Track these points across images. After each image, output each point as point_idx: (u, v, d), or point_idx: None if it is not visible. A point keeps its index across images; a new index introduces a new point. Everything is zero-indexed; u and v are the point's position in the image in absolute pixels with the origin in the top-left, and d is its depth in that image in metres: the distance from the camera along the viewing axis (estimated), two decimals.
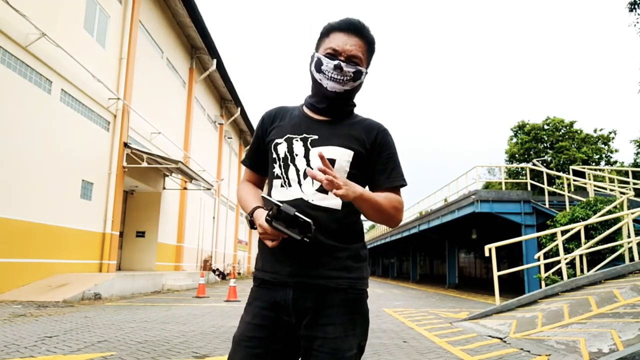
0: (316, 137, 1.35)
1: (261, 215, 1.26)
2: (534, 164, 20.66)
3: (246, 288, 15.23)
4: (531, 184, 14.49)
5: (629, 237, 8.70)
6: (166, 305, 8.77)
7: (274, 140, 1.38)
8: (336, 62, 1.31)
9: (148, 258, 14.99)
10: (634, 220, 9.32)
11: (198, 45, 18.13)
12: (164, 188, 15.84)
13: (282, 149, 1.36)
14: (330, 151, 1.32)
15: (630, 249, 8.50)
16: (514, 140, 30.45)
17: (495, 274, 8.12)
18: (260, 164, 1.47)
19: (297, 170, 1.33)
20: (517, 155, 29.33)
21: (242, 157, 1.54)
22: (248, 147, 1.47)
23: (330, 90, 1.34)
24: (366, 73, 1.38)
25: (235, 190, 27.22)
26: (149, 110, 14.07)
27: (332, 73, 1.32)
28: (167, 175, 15.70)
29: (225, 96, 23.38)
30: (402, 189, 1.43)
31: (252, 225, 1.32)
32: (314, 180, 1.26)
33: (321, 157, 1.15)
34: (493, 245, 8.10)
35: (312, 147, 1.34)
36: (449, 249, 24.96)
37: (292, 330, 1.28)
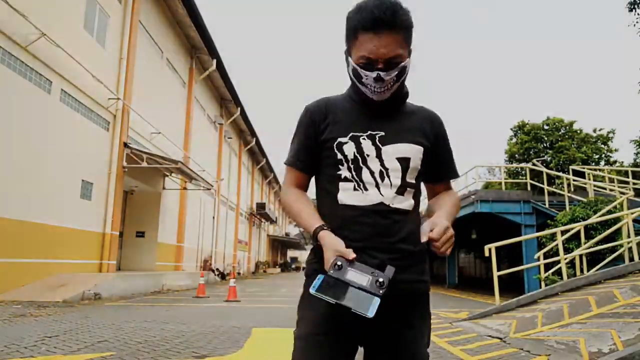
0: (382, 133, 1.24)
1: (327, 246, 1.15)
2: (533, 164, 20.65)
3: (246, 288, 15.24)
4: (531, 184, 14.48)
5: (628, 237, 8.70)
6: (166, 305, 8.77)
7: (335, 138, 1.25)
8: (375, 74, 1.17)
9: (148, 258, 14.99)
10: (634, 220, 9.31)
11: (198, 45, 18.13)
12: (164, 188, 15.85)
13: (350, 149, 1.23)
14: (402, 149, 1.23)
15: (630, 249, 8.50)
16: (514, 140, 30.46)
17: (495, 274, 8.12)
18: (313, 164, 1.32)
19: (372, 172, 1.22)
20: (517, 155, 29.32)
21: (288, 157, 1.31)
22: (294, 146, 1.35)
23: (377, 100, 1.24)
24: (409, 59, 1.23)
25: (235, 190, 27.21)
26: (148, 110, 14.06)
27: (374, 87, 1.19)
28: (167, 175, 15.70)
29: (225, 96, 23.37)
30: None
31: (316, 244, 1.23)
32: (392, 181, 1.22)
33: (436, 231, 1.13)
34: (493, 245, 8.09)
35: (382, 145, 1.24)
36: None
37: (363, 329, 1.21)
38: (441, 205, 1.28)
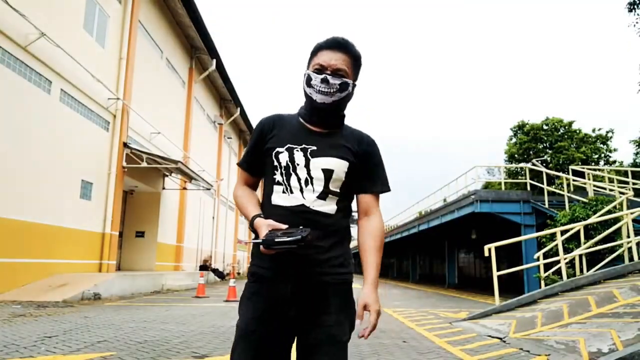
0: (315, 147, 1.47)
1: (261, 226, 1.37)
2: (533, 164, 20.65)
3: None
4: (531, 184, 14.48)
5: (628, 237, 8.71)
6: (166, 305, 8.77)
7: (274, 148, 1.48)
8: (322, 75, 1.44)
9: (148, 258, 14.98)
10: (634, 220, 9.32)
11: (198, 45, 18.13)
12: (164, 188, 15.84)
13: (284, 157, 1.46)
14: (328, 162, 1.45)
15: (629, 248, 8.51)
16: (513, 140, 30.47)
17: (495, 274, 8.12)
18: (257, 167, 1.57)
19: (299, 179, 1.44)
20: (516, 156, 29.34)
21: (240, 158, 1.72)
22: (245, 150, 1.64)
23: (319, 102, 1.46)
24: (354, 85, 1.51)
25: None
26: (148, 110, 14.06)
27: (319, 86, 1.45)
28: (167, 175, 15.69)
29: (225, 96, 23.37)
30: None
31: (255, 231, 1.42)
32: (315, 188, 1.44)
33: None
34: (492, 245, 8.10)
35: (311, 157, 1.46)
36: (449, 249, 24.96)
37: (290, 322, 1.40)
38: (369, 262, 1.46)
